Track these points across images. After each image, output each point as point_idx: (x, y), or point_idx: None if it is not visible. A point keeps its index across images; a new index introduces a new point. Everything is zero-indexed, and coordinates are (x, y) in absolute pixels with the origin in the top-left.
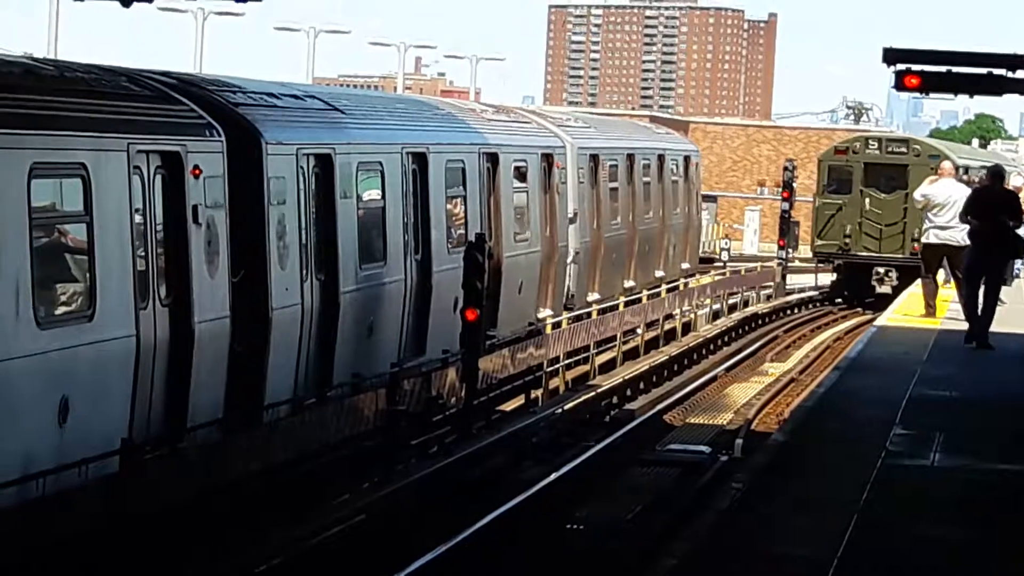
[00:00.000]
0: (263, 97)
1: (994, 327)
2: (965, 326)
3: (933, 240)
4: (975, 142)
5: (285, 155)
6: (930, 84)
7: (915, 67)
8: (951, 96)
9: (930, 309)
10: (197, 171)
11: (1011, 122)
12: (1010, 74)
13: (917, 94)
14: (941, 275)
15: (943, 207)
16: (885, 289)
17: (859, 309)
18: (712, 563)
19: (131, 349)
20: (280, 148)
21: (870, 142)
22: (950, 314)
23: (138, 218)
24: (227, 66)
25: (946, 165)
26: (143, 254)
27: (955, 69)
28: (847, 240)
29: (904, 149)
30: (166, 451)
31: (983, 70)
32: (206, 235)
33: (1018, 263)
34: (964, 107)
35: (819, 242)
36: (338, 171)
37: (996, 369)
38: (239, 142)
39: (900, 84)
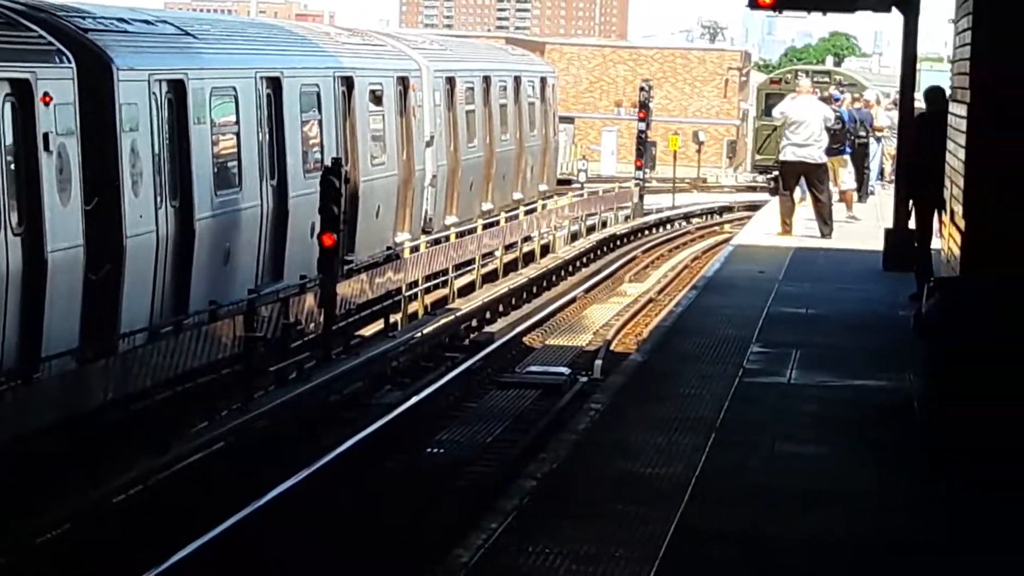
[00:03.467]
0: (114, 23)
1: (850, 244)
2: (821, 244)
3: (790, 157)
4: (829, 60)
5: (137, 81)
6: (784, 2)
7: None
8: (804, 14)
9: (786, 227)
10: (47, 98)
11: (865, 39)
12: None
13: (771, 12)
14: (797, 193)
15: (799, 124)
16: None
17: (717, 228)
18: (571, 484)
19: None
20: (132, 74)
21: (799, 74)
22: (806, 231)
23: None
24: None
25: (803, 83)
26: None
27: None
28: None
29: (827, 80)
30: (20, 382)
31: None
32: (58, 163)
33: (874, 179)
34: (819, 26)
35: (758, 157)
36: (191, 97)
37: (852, 286)
38: (90, 68)
39: (754, 2)
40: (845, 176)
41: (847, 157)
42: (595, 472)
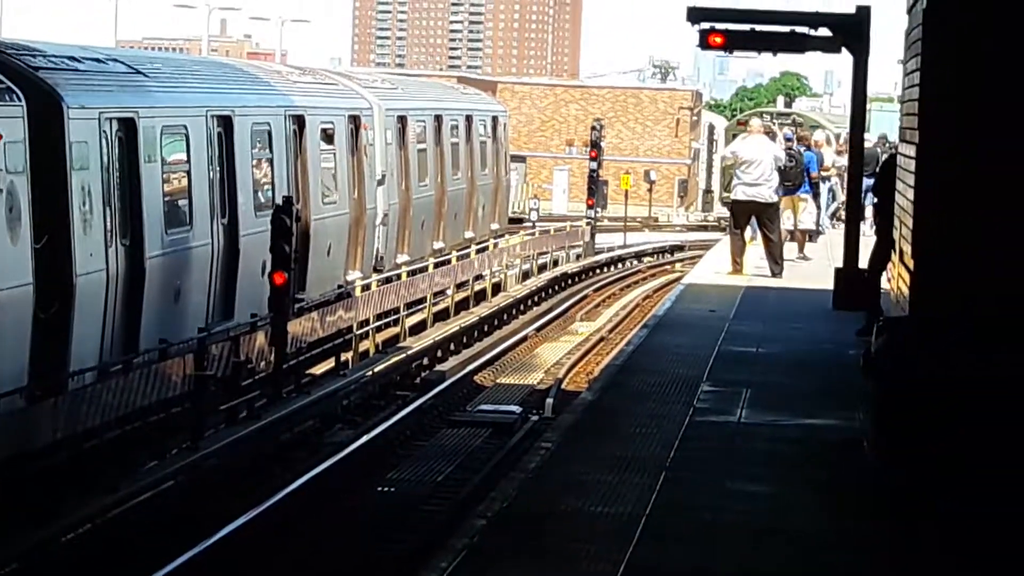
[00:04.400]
0: (64, 61)
1: (801, 283)
2: (772, 283)
3: (741, 196)
4: (780, 100)
5: (87, 119)
6: (734, 43)
7: (719, 26)
8: (755, 54)
9: (737, 266)
10: None
11: (816, 79)
12: (812, 32)
13: (722, 53)
14: (748, 232)
15: (751, 164)
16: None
17: (668, 267)
18: (521, 522)
19: None
20: (82, 112)
21: (764, 116)
22: (756, 271)
23: None
24: (30, 30)
25: (754, 123)
26: None
27: (758, 27)
28: None
29: (789, 121)
30: None
31: (786, 28)
32: (7, 201)
33: (823, 219)
34: (770, 66)
35: (725, 194)
36: (142, 135)
37: (802, 324)
38: (40, 106)
39: (704, 43)
40: (804, 216)
41: (808, 196)
42: (545, 510)
